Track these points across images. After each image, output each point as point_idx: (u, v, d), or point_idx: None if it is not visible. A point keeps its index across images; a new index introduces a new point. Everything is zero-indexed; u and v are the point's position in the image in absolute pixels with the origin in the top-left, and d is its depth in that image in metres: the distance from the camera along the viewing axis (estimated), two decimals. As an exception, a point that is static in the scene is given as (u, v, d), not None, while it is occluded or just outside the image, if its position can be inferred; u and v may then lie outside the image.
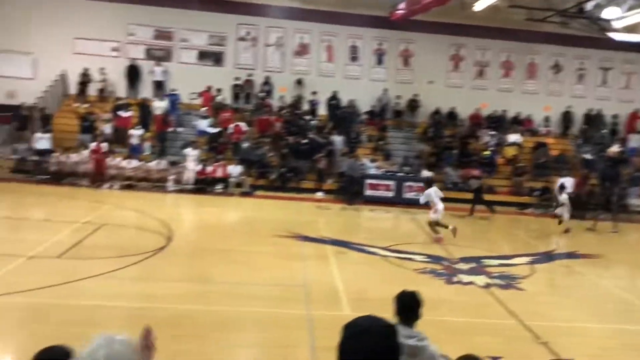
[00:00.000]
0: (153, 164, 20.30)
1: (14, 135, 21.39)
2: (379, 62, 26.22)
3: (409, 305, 4.59)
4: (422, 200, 15.50)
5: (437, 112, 25.47)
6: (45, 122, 21.40)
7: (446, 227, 14.91)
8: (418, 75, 26.01)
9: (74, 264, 10.99)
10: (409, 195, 20.58)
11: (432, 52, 25.97)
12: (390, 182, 20.87)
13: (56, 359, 3.33)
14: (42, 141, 20.40)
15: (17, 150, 20.46)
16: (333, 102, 24.83)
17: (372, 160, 21.94)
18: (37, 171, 20.03)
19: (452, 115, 25.59)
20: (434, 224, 15.01)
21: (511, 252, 14.87)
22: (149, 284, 10.25)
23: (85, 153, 20.07)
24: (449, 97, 25.75)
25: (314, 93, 24.77)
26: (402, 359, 4.17)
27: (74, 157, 20.01)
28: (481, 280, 11.64)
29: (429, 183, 16.23)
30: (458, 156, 23.38)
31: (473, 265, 12.83)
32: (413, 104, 25.57)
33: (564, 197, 17.56)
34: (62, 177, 19.76)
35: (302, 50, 25.82)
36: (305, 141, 22.18)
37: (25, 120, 21.72)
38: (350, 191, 20.42)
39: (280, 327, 8.55)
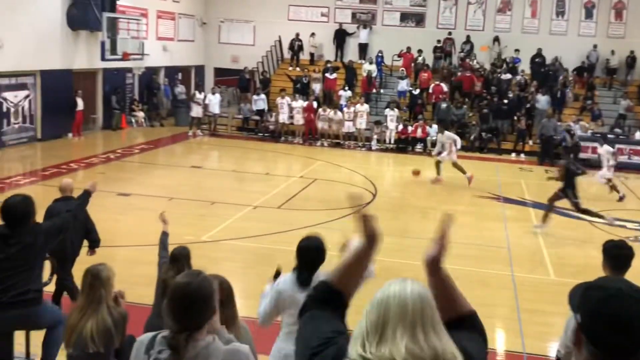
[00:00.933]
0: (358, 105, 21.20)
1: (238, 97, 23.89)
2: (588, 15, 24.67)
3: (626, 255, 4.12)
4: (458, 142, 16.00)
5: (653, 69, 23.47)
6: (265, 85, 23.54)
7: (438, 174, 15.76)
8: (632, 29, 24.04)
9: (292, 214, 12.40)
10: (620, 158, 19.35)
11: (650, 2, 23.82)
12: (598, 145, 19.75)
13: (316, 245, 4.43)
14: (259, 102, 22.51)
15: (242, 110, 22.85)
16: (537, 60, 23.97)
17: (576, 121, 20.96)
18: (257, 129, 22.27)
19: (671, 73, 23.41)
20: (457, 166, 15.54)
21: None
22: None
23: (295, 104, 21.56)
24: (668, 53, 23.53)
25: (517, 51, 24.13)
26: None
27: (281, 112, 21.70)
28: None
29: (444, 126, 17.25)
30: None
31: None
32: (629, 61, 23.76)
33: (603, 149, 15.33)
34: (279, 134, 21.76)
35: (505, 6, 25.19)
36: (505, 101, 21.83)
37: (248, 83, 24.05)
38: (549, 153, 19.83)
39: (483, 286, 8.93)
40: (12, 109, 17.57)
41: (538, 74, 23.53)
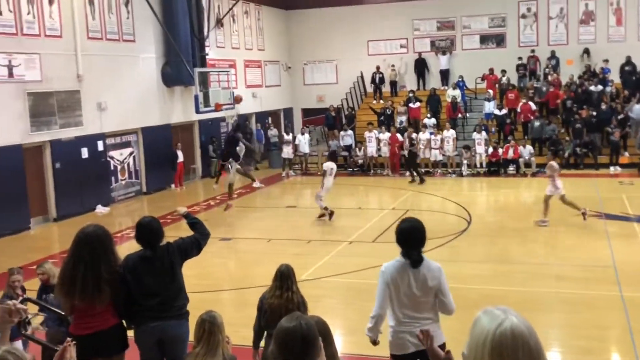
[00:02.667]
0: (445, 131, 21.28)
1: (326, 135, 24.48)
2: (677, 16, 23.62)
3: None
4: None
5: None
6: (350, 121, 24.02)
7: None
8: None
9: (388, 247, 12.28)
10: None
11: None
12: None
13: (418, 225, 4.83)
14: (346, 138, 22.97)
15: (330, 147, 23.37)
16: (627, 68, 23.13)
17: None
18: (347, 164, 22.68)
19: None
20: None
21: None
22: (456, 265, 10.97)
23: (383, 136, 21.81)
24: None
25: (606, 61, 23.41)
26: None
27: (369, 146, 22.00)
28: None
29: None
30: None
31: None
32: None
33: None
34: (368, 168, 22.07)
35: (587, 17, 24.63)
36: (594, 113, 21.15)
37: (334, 120, 24.63)
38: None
39: (592, 308, 8.67)
40: (119, 167, 18.86)
41: (629, 83, 22.71)
